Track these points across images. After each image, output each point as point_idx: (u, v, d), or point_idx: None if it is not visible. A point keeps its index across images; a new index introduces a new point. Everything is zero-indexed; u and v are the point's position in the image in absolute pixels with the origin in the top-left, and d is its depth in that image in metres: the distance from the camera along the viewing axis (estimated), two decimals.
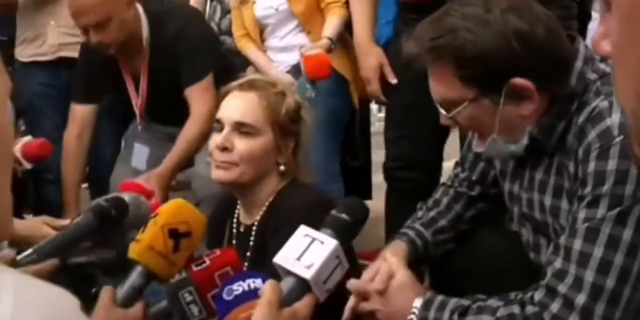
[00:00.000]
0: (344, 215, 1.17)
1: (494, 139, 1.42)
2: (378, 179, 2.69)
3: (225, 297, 1.19)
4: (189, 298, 1.15)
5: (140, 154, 2.77)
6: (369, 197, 3.27)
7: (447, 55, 1.35)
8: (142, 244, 1.15)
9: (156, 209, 2.21)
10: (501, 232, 1.69)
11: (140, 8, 2.59)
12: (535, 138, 1.43)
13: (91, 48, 2.56)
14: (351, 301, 1.49)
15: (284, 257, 1.10)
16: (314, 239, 1.11)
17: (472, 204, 1.73)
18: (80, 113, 2.72)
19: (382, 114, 3.36)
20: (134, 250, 1.16)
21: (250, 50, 2.98)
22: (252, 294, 1.11)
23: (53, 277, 1.18)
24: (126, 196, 1.47)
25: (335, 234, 1.13)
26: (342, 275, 1.14)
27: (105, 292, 1.13)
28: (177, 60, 2.53)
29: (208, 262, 1.18)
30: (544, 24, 1.36)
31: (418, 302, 1.43)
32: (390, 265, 1.51)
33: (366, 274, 1.51)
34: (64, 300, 0.54)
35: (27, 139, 2.37)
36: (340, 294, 1.16)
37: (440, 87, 1.41)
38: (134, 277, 1.17)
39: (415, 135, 2.47)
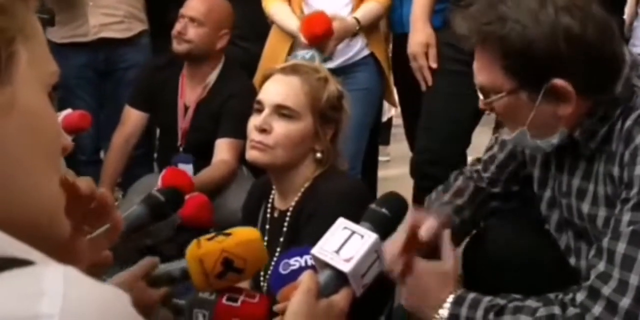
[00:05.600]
0: (384, 210, 1.15)
1: (523, 132, 1.41)
2: (403, 170, 2.67)
3: (281, 271, 1.18)
4: (200, 319, 1.14)
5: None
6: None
7: (493, 42, 1.35)
8: (198, 253, 1.13)
9: (192, 204, 2.23)
10: (539, 229, 1.66)
11: (223, 57, 2.82)
12: (575, 140, 1.41)
13: (177, 60, 2.79)
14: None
15: (322, 249, 1.07)
16: (353, 232, 1.09)
17: (488, 201, 1.73)
18: (134, 117, 2.90)
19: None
20: (190, 250, 1.14)
21: (275, 6, 2.82)
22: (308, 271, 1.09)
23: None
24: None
25: (374, 228, 1.11)
26: (379, 271, 1.12)
27: None
28: (220, 115, 2.70)
29: (239, 304, 1.15)
30: (598, 27, 1.33)
31: (451, 298, 1.40)
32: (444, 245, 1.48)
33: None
34: (114, 297, 0.53)
35: (67, 111, 2.38)
36: (376, 290, 1.13)
37: (483, 71, 1.41)
38: (176, 267, 1.17)
39: (448, 128, 2.45)
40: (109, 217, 0.93)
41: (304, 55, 2.53)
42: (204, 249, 1.13)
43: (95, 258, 0.96)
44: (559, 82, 1.32)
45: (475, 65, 1.42)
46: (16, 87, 0.60)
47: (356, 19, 2.69)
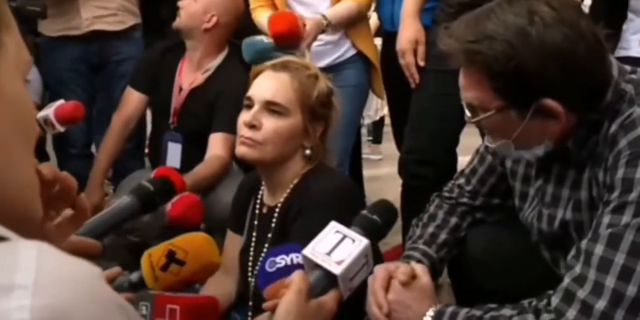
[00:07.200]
0: (374, 217, 1.18)
1: (507, 143, 1.40)
2: (395, 169, 2.68)
3: (268, 269, 1.20)
4: (143, 311, 1.19)
5: (173, 152, 2.79)
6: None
7: (481, 62, 1.32)
8: (149, 250, 1.21)
9: (181, 205, 2.24)
10: (523, 229, 1.67)
11: (227, 48, 2.79)
12: (566, 149, 1.40)
13: (182, 46, 2.77)
14: (377, 285, 1.45)
15: (314, 251, 1.10)
16: (345, 236, 1.11)
17: (470, 213, 1.71)
18: (134, 99, 2.86)
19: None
20: (145, 252, 1.21)
21: (263, 15, 2.82)
22: (294, 269, 1.12)
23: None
24: None
25: (365, 234, 1.13)
26: (366, 276, 1.15)
27: None
28: (214, 106, 2.66)
29: (178, 294, 1.20)
30: (588, 43, 1.30)
31: (432, 312, 1.41)
32: (414, 267, 1.49)
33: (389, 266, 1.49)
34: (86, 270, 0.55)
35: (60, 102, 2.36)
36: (360, 295, 1.15)
37: (470, 90, 1.38)
38: (134, 274, 1.22)
39: (435, 128, 2.45)
40: (73, 200, 0.94)
41: (262, 39, 2.50)
42: (155, 247, 1.21)
43: (61, 243, 0.96)
44: (548, 102, 1.30)
45: (462, 83, 1.38)
46: (2, 76, 0.62)
47: (323, 15, 2.66)
